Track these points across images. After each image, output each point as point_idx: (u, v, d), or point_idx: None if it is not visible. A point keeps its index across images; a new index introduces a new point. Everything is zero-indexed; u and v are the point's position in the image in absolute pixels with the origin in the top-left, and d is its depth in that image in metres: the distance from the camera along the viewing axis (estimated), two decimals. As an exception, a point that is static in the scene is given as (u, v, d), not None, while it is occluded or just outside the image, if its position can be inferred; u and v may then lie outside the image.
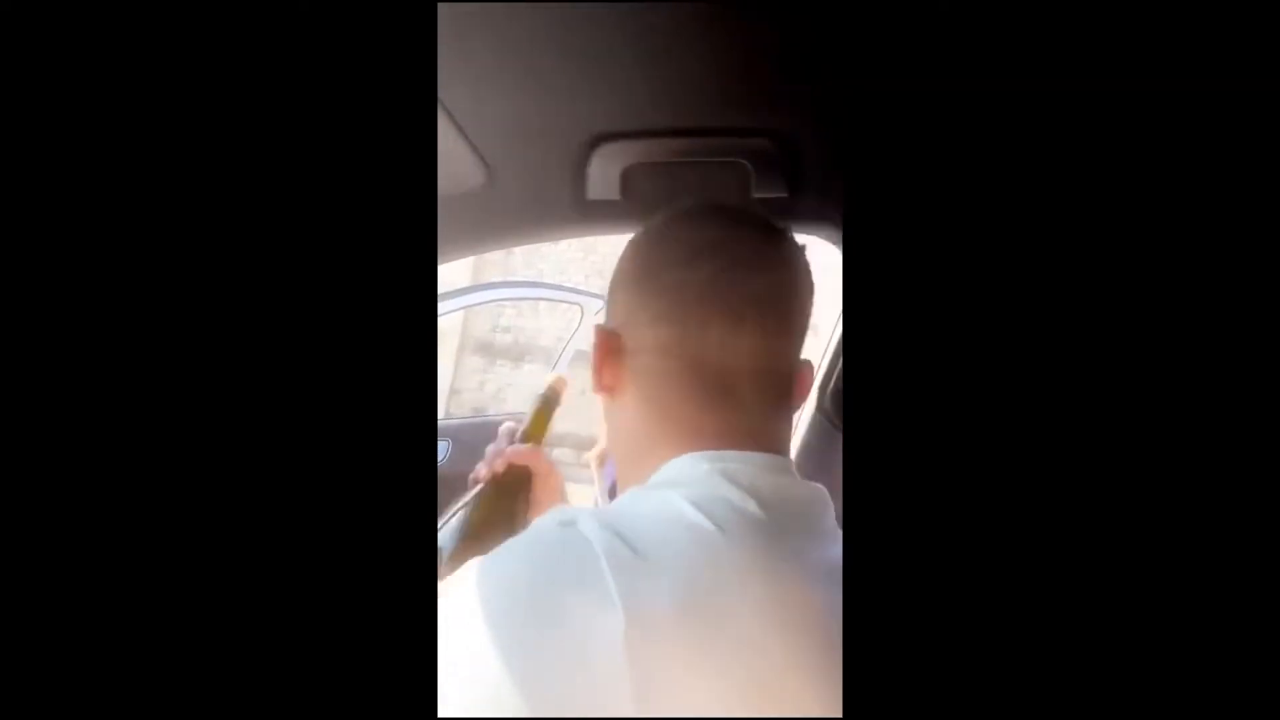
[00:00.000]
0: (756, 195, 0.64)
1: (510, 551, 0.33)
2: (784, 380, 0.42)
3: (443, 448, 1.37)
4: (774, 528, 0.35)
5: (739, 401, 0.40)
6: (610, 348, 0.43)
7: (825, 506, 0.40)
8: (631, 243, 0.46)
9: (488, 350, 5.68)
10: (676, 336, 0.40)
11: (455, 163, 0.62)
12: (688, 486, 0.37)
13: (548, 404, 0.62)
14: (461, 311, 5.11)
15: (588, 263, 5.56)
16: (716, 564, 0.32)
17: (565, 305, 1.84)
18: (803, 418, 0.97)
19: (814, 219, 0.72)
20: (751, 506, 0.35)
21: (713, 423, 0.40)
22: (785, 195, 0.64)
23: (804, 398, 0.45)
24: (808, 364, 0.46)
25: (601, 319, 0.48)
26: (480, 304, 1.66)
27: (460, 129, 0.58)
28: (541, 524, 0.36)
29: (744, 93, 0.55)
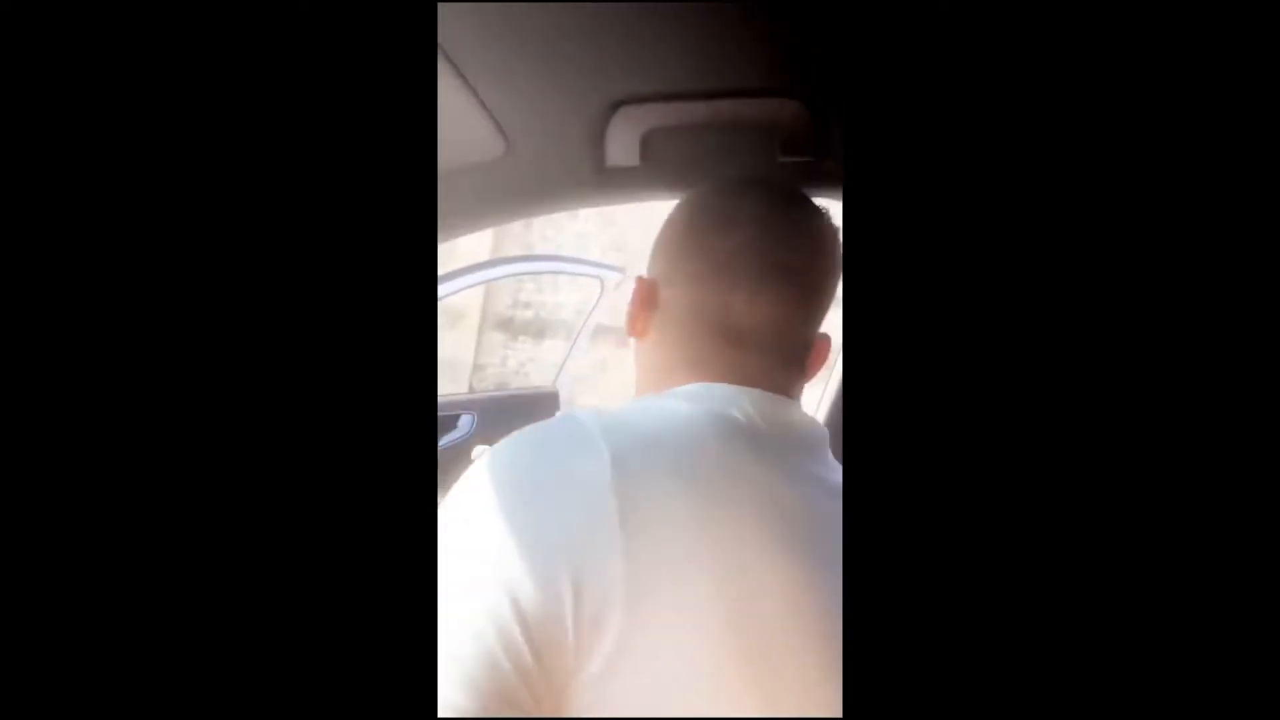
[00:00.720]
0: (782, 159, 0.62)
1: (515, 435, 0.38)
2: (798, 344, 0.46)
3: (468, 420, 1.39)
4: (760, 432, 0.39)
5: (753, 352, 0.44)
6: (647, 296, 0.48)
7: (822, 438, 0.43)
8: (678, 207, 0.50)
9: (508, 326, 5.71)
10: (704, 293, 0.45)
11: (473, 132, 0.61)
12: (687, 399, 0.41)
13: None
14: (482, 287, 5.12)
15: (606, 236, 5.53)
16: (699, 438, 0.36)
17: (584, 280, 1.83)
18: (824, 401, 0.95)
19: (838, 185, 0.70)
20: (740, 417, 0.39)
21: (725, 363, 0.44)
22: (811, 159, 0.63)
23: (819, 367, 0.49)
24: (825, 337, 0.49)
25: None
26: (500, 278, 1.67)
27: (479, 97, 0.57)
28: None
29: (770, 53, 0.53)
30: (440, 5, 0.45)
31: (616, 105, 0.59)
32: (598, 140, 0.62)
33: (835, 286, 0.47)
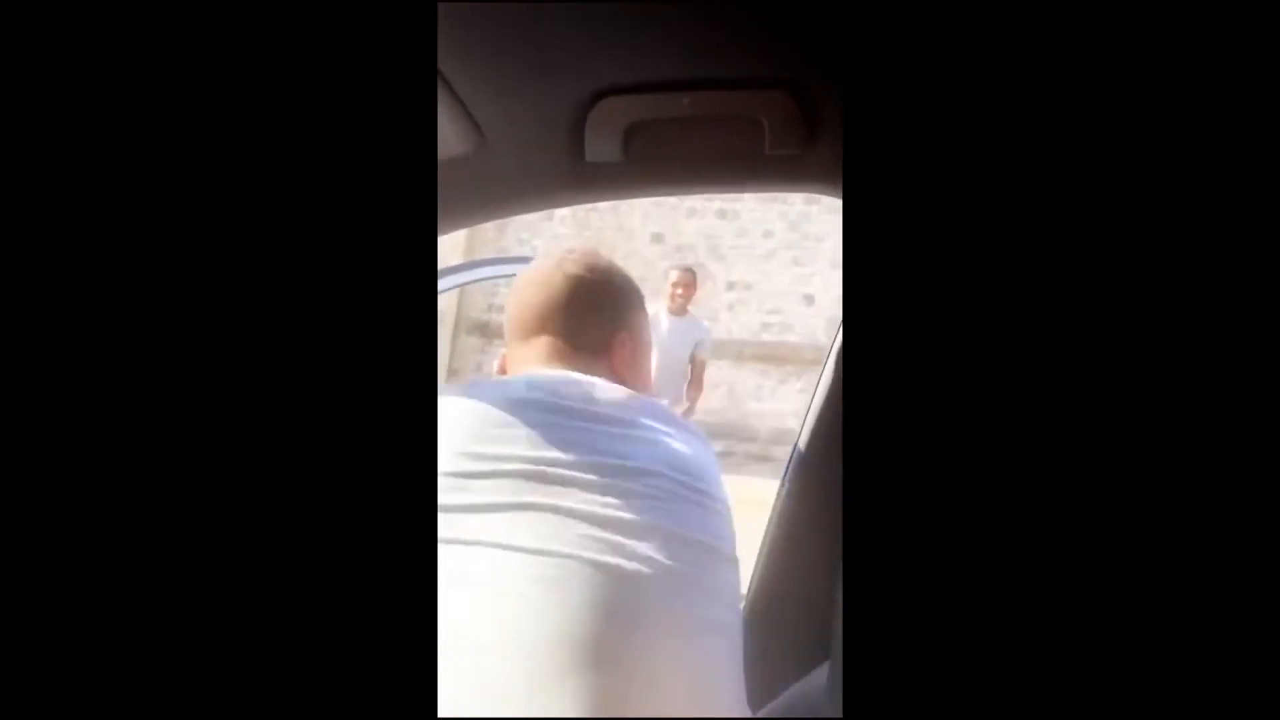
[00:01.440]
0: (770, 152, 0.60)
1: None
2: (591, 339, 0.61)
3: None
4: (541, 390, 0.52)
5: (555, 342, 0.60)
6: (502, 363, 0.66)
7: (602, 391, 0.54)
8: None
9: (484, 330, 5.66)
10: (518, 321, 0.63)
11: (448, 126, 0.58)
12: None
13: None
14: (456, 291, 5.06)
15: (581, 239, 5.50)
16: (491, 385, 0.55)
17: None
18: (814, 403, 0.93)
19: (827, 178, 0.68)
20: (533, 385, 0.54)
21: (535, 356, 0.61)
22: (799, 153, 0.61)
23: (622, 358, 0.62)
24: (623, 334, 0.62)
25: None
26: (475, 281, 1.64)
27: (452, 90, 0.54)
28: None
29: (758, 44, 0.52)
30: None
31: (597, 97, 0.57)
32: (578, 134, 0.60)
33: (609, 309, 0.63)
